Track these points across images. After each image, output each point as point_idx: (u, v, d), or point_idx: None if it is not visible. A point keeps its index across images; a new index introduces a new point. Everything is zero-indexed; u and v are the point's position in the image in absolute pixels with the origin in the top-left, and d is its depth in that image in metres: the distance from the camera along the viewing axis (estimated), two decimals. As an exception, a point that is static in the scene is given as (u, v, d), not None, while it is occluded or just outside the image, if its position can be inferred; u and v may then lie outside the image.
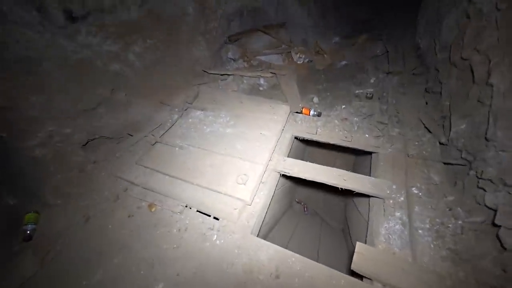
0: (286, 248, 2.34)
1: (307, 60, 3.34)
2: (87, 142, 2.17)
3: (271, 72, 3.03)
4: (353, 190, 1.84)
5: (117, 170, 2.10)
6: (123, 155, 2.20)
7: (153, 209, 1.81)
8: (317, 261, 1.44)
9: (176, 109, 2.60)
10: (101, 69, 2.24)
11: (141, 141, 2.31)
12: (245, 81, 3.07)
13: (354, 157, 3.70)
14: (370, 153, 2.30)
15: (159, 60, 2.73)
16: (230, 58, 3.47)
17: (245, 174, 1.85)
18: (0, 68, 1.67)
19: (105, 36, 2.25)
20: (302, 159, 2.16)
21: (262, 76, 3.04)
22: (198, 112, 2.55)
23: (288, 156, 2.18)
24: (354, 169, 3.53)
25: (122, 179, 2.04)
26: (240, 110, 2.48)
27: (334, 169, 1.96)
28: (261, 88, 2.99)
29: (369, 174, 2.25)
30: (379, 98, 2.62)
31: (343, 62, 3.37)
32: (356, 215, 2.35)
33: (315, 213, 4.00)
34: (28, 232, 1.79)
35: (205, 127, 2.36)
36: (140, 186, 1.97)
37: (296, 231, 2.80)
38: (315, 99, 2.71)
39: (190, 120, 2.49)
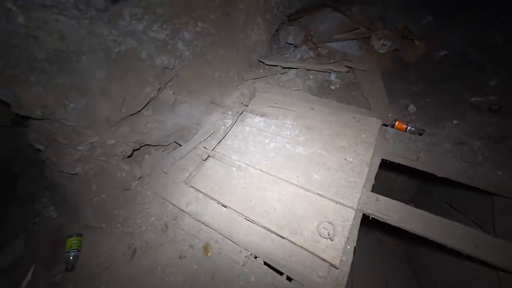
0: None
1: (392, 48, 2.56)
2: (132, 153, 1.85)
3: (346, 66, 2.36)
4: (491, 264, 1.26)
5: (165, 191, 1.76)
6: (170, 170, 1.85)
7: (209, 253, 1.46)
8: None
9: (230, 112, 2.13)
10: (147, 63, 1.81)
11: (190, 153, 1.93)
12: (311, 76, 2.46)
13: (418, 183, 2.92)
14: (487, 192, 1.65)
15: (209, 49, 2.24)
16: (289, 44, 2.83)
17: (330, 223, 1.37)
18: (31, 69, 1.32)
19: (151, 19, 1.79)
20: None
21: (334, 71, 2.39)
22: (257, 119, 2.05)
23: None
24: (419, 201, 2.80)
25: (170, 204, 1.70)
26: (311, 120, 1.92)
27: (457, 225, 1.37)
28: (332, 87, 2.36)
29: (489, 226, 1.65)
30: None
31: (442, 53, 2.52)
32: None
33: (368, 230, 3.45)
34: (71, 258, 1.57)
35: (267, 140, 1.88)
36: (192, 217, 1.61)
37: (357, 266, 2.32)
38: (411, 108, 2.03)
39: (247, 128, 2.01)
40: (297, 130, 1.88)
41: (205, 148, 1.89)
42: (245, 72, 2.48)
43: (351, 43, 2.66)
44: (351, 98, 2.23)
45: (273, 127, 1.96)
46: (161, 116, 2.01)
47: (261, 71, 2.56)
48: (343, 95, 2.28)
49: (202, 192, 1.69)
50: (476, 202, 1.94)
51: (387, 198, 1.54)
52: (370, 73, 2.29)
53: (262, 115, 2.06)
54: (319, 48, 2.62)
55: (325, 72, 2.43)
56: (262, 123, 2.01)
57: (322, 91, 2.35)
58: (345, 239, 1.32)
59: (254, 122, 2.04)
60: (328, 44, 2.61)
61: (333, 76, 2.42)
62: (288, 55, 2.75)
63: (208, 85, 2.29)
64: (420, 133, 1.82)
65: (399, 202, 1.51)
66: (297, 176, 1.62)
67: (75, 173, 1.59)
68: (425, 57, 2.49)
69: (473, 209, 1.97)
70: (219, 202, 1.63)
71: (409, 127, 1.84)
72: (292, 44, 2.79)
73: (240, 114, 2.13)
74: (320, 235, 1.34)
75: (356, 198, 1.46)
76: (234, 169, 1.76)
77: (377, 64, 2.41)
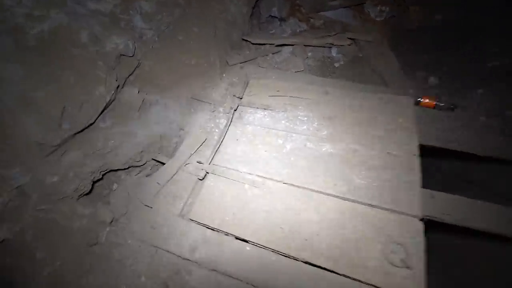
0: None
1: (390, 15, 2.27)
2: (92, 188, 1.25)
3: (348, 38, 2.00)
4: None
5: (153, 234, 1.23)
6: (155, 202, 1.31)
7: (241, 318, 1.02)
8: None
9: (221, 109, 1.63)
10: (92, 50, 1.19)
11: (180, 173, 1.40)
12: (310, 54, 2.04)
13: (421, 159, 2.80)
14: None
15: (180, 26, 1.67)
16: (273, 17, 2.35)
17: (399, 244, 1.04)
18: None
19: (87, -19, 1.16)
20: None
21: (334, 45, 2.01)
22: (259, 113, 1.59)
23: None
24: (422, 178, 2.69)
25: (166, 252, 1.18)
26: (329, 107, 1.54)
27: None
28: (336, 64, 1.99)
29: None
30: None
31: (438, 17, 2.31)
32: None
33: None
34: None
35: (280, 140, 1.45)
36: (203, 266, 1.13)
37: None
38: (432, 80, 1.78)
39: (249, 127, 1.54)
40: (316, 123, 1.48)
41: (199, 162, 1.39)
42: (229, 55, 1.95)
43: (343, 11, 2.29)
44: (361, 75, 1.90)
45: (283, 122, 1.52)
46: (126, 127, 1.42)
47: (248, 52, 2.06)
48: (350, 73, 1.93)
49: (209, 227, 1.21)
50: (499, 174, 1.82)
51: (443, 193, 1.26)
52: (377, 44, 1.96)
53: (265, 108, 1.60)
54: (312, 19, 2.20)
55: (324, 47, 2.04)
56: (268, 119, 1.56)
57: (326, 70, 1.97)
58: (423, 263, 1.00)
59: (256, 118, 1.58)
60: (322, 13, 2.20)
61: (334, 52, 2.04)
62: (274, 30, 2.28)
63: (185, 76, 1.73)
64: (452, 108, 1.58)
65: (458, 196, 1.25)
66: (334, 184, 1.24)
67: (1, 241, 0.97)
68: (426, 23, 2.26)
69: (497, 182, 1.85)
70: (237, 237, 1.17)
71: (438, 103, 1.58)
72: (277, 17, 2.32)
73: (235, 110, 1.63)
74: (392, 264, 1.00)
75: (417, 202, 1.14)
76: (246, 186, 1.30)
77: (380, 34, 2.10)
